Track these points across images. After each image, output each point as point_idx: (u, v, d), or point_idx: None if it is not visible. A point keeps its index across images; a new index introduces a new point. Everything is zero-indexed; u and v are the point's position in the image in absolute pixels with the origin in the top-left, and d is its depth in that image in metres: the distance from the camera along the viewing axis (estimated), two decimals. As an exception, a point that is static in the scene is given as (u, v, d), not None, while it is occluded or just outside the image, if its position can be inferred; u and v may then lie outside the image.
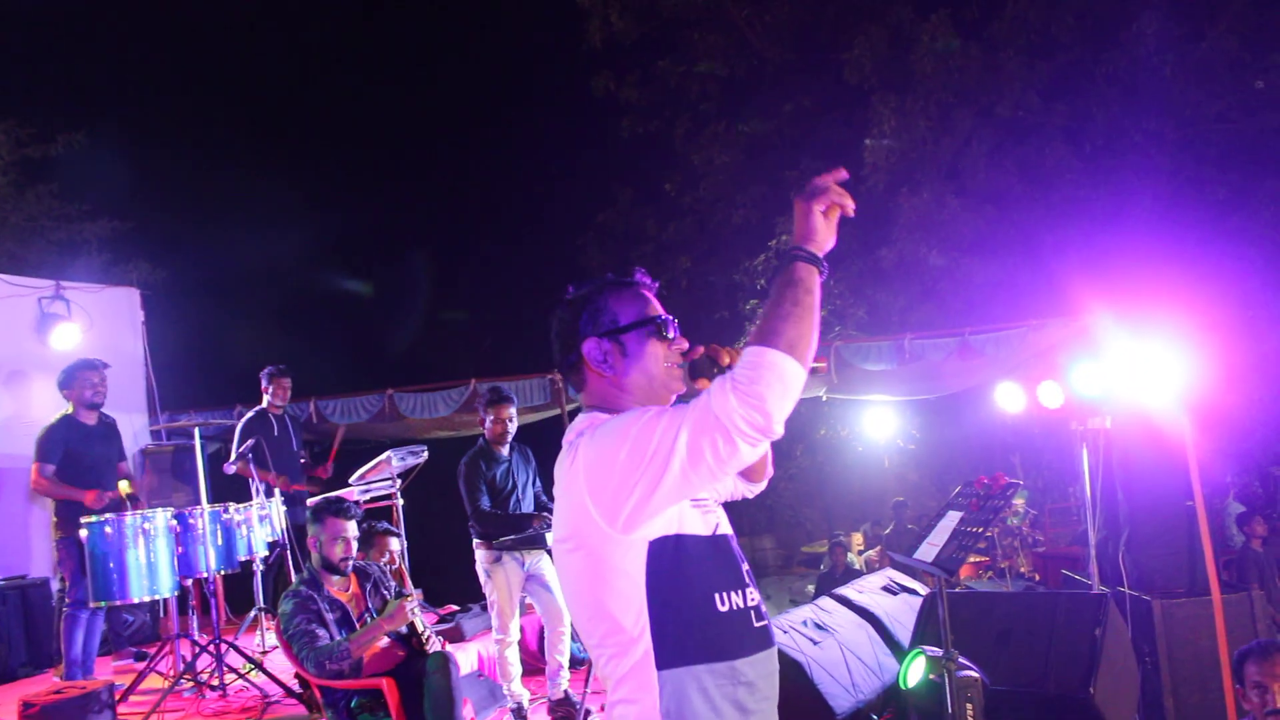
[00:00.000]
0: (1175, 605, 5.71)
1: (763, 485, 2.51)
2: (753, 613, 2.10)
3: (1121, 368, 6.06)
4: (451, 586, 9.07)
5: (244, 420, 7.82)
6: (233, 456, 7.46)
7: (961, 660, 3.82)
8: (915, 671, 4.25)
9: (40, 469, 6.06)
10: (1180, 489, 5.89)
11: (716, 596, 2.05)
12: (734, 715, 2.02)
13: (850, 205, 2.11)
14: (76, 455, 6.21)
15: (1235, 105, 14.11)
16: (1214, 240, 12.87)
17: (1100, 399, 6.45)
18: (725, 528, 2.18)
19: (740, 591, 2.09)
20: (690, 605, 2.01)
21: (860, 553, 13.98)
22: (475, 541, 6.27)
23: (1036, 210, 14.28)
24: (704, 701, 1.98)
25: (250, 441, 7.43)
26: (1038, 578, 11.30)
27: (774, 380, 1.82)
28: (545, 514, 6.34)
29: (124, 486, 6.43)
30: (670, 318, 2.24)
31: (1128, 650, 5.24)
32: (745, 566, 2.16)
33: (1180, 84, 13.97)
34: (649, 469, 1.90)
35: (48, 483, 6.09)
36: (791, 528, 18.97)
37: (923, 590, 6.98)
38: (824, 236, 2.08)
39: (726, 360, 2.15)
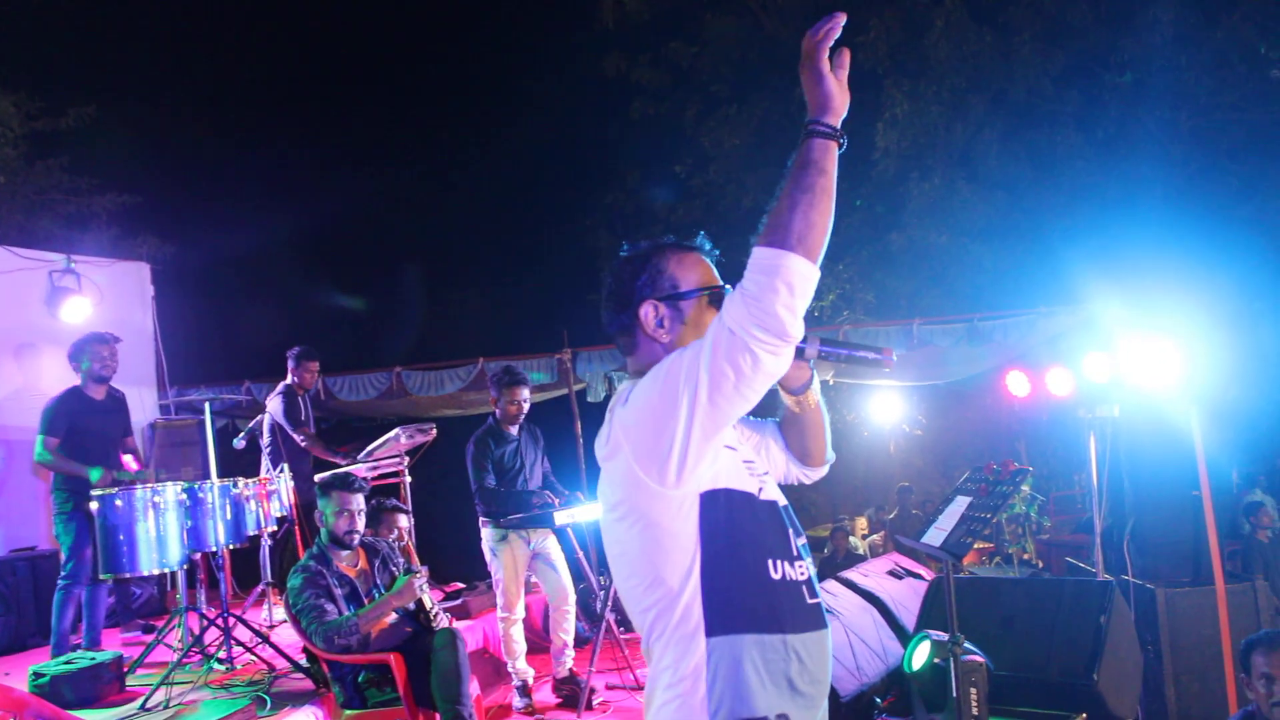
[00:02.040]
0: (1179, 594, 5.72)
1: (823, 470, 2.43)
2: (805, 587, 2.04)
3: (1130, 356, 6.05)
4: (457, 564, 9.12)
5: (283, 398, 7.74)
6: (293, 428, 7.54)
7: (967, 645, 3.84)
8: (920, 655, 4.27)
9: (45, 441, 6.02)
10: (1187, 478, 5.90)
11: (770, 563, 1.99)
12: (784, 691, 1.94)
13: (840, 20, 1.96)
14: (81, 429, 6.17)
15: (1250, 95, 14.03)
16: (1225, 230, 12.82)
17: (1109, 387, 6.45)
18: (776, 495, 2.12)
19: (793, 563, 2.03)
20: (742, 568, 1.95)
21: (864, 537, 14.01)
22: (481, 520, 6.30)
23: (1047, 197, 14.23)
24: (754, 673, 1.91)
25: (259, 418, 7.48)
26: (1042, 565, 11.31)
27: (781, 285, 1.76)
28: (549, 493, 6.37)
29: (129, 461, 6.45)
30: (729, 287, 2.14)
31: (1131, 638, 5.26)
32: (800, 540, 2.10)
33: (1195, 73, 13.90)
34: (681, 405, 1.84)
35: (51, 455, 6.08)
36: (796, 511, 18.90)
37: (927, 575, 7.00)
38: (839, 101, 1.96)
39: None
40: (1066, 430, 11.40)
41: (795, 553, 2.06)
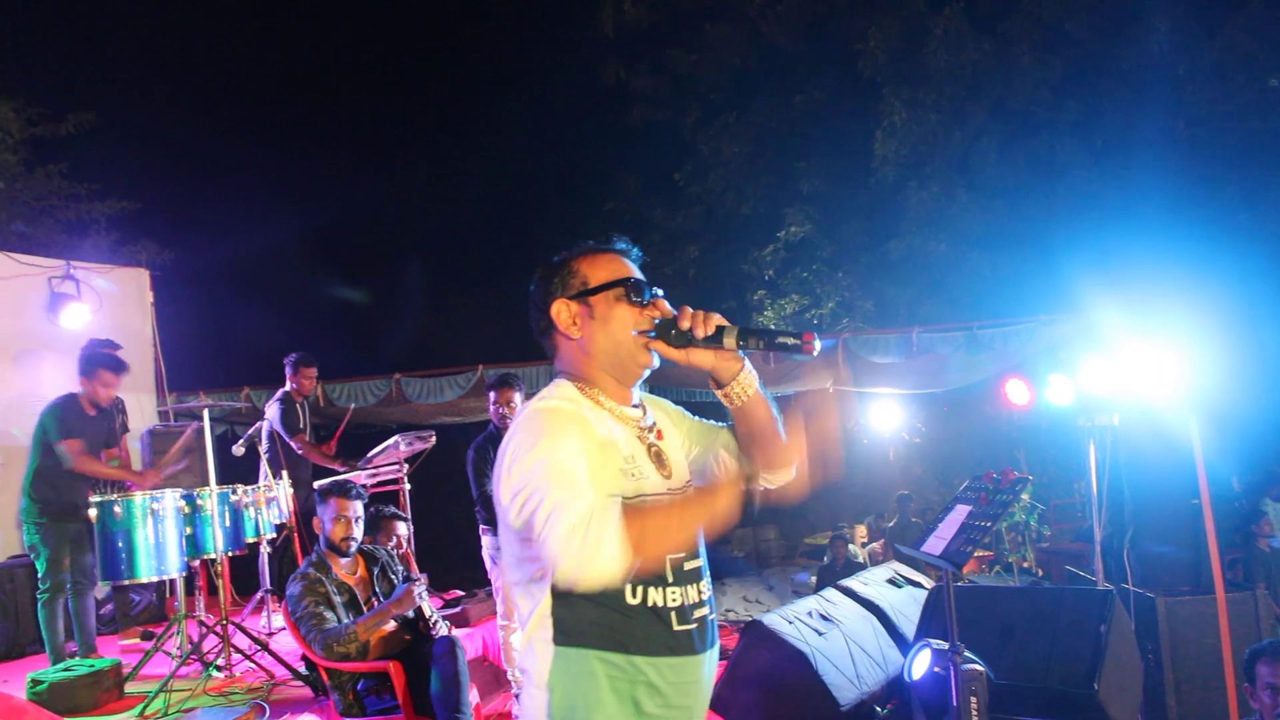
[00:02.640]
0: (1179, 603, 5.71)
1: (789, 474, 2.29)
2: (674, 614, 2.05)
3: (1130, 365, 6.04)
4: (458, 572, 9.10)
5: (281, 404, 7.75)
6: (290, 435, 7.54)
7: (967, 654, 3.83)
8: (920, 664, 4.26)
9: (72, 446, 6.02)
10: (1187, 487, 5.89)
11: (628, 589, 2.01)
12: (628, 710, 2.01)
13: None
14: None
15: (1248, 104, 14.05)
16: (1224, 238, 12.83)
17: (1109, 396, 6.44)
18: None
19: (661, 588, 2.04)
20: (600, 594, 1.97)
21: (864, 545, 13.99)
22: (481, 527, 6.29)
23: (1046, 205, 14.26)
24: (591, 684, 1.98)
25: (259, 424, 7.48)
26: (1042, 573, 11.31)
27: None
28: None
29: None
30: (645, 281, 2.18)
31: (1132, 647, 5.25)
32: (690, 564, 2.10)
33: (1193, 82, 13.94)
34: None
35: (89, 459, 6.07)
36: (795, 519, 18.95)
37: (927, 583, 7.00)
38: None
39: (686, 325, 2.08)
40: (1066, 438, 11.40)
41: (667, 578, 2.06)
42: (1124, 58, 14.21)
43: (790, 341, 2.07)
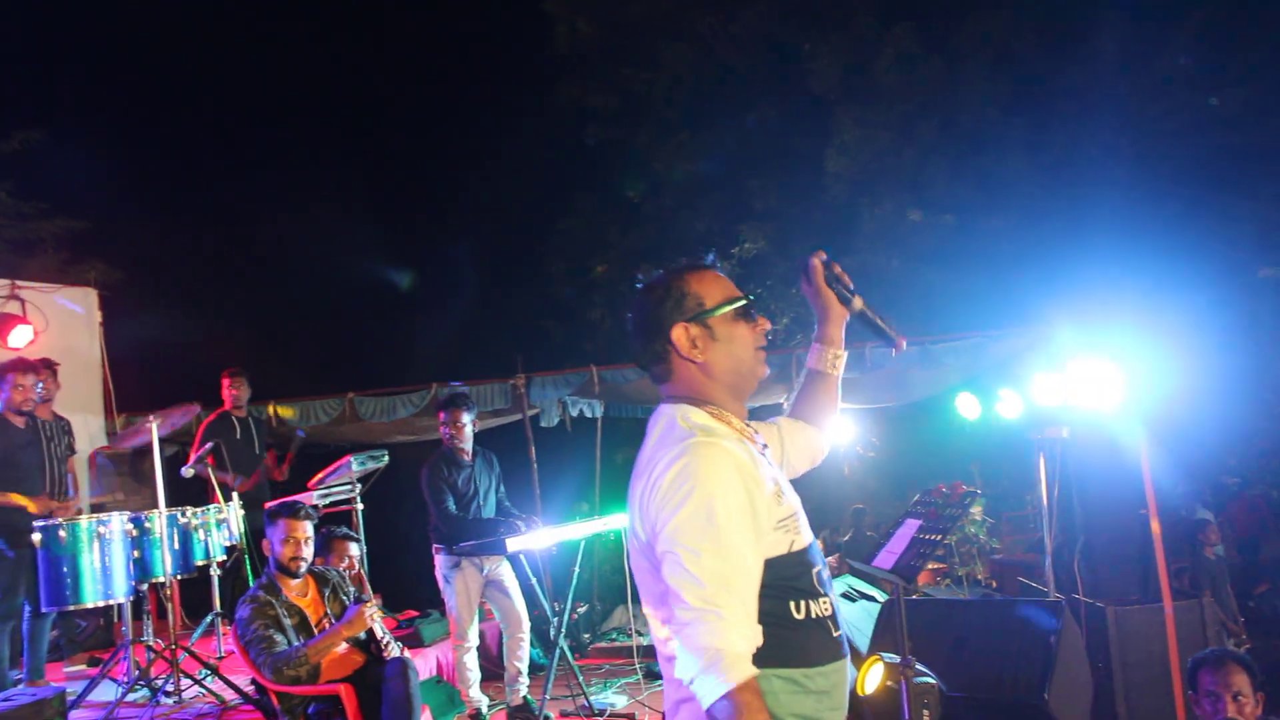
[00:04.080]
0: (1128, 612, 5.79)
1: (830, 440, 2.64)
2: (830, 621, 2.07)
3: (1079, 378, 6.13)
4: (411, 592, 9.02)
5: (205, 423, 7.76)
6: (191, 459, 7.40)
7: (919, 667, 3.85)
8: (872, 678, 4.27)
9: None
10: (1135, 498, 5.97)
11: (792, 604, 2.00)
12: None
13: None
14: (8, 461, 6.08)
15: (1190, 123, 14.34)
16: (1170, 253, 13.06)
17: (1058, 409, 6.53)
18: (806, 538, 2.10)
19: (817, 599, 2.04)
20: (763, 612, 1.94)
21: (820, 559, 14.04)
22: (434, 547, 6.26)
23: (996, 221, 14.43)
24: (772, 703, 1.91)
25: (209, 445, 7.38)
26: (995, 585, 11.40)
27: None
28: (512, 519, 6.33)
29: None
30: (752, 299, 2.19)
31: (1081, 656, 5.31)
32: (824, 573, 2.11)
33: (1137, 100, 14.20)
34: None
35: None
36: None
37: (881, 597, 7.03)
38: None
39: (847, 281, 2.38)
40: (1018, 451, 11.52)
41: (816, 589, 2.07)
42: (1070, 76, 14.45)
43: (891, 332, 2.40)
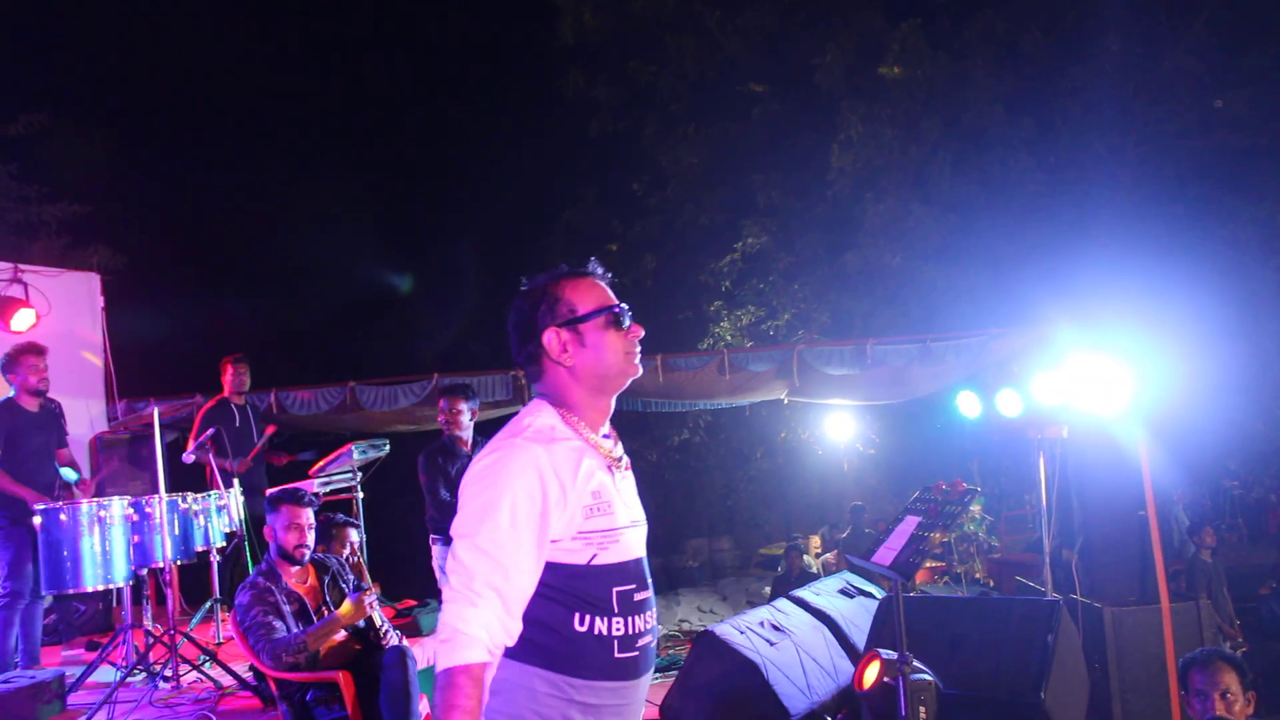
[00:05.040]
0: (1125, 613, 5.80)
1: None
2: (617, 642, 2.16)
3: (1080, 378, 6.12)
4: (411, 581, 9.04)
5: (204, 409, 7.76)
6: (191, 445, 7.41)
7: (916, 664, 3.86)
8: (870, 674, 4.28)
9: None
10: (1134, 499, 5.97)
11: (576, 615, 2.13)
12: None
13: None
14: (16, 443, 6.10)
15: (1194, 124, 14.34)
16: (1172, 254, 13.05)
17: (1058, 409, 6.52)
18: (620, 556, 2.20)
19: (607, 618, 2.15)
20: (543, 614, 2.12)
21: (818, 555, 14.06)
22: (431, 537, 6.26)
23: (999, 220, 14.43)
24: (529, 699, 2.10)
25: (210, 431, 7.38)
26: (992, 583, 11.42)
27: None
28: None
29: (69, 474, 6.34)
30: (625, 306, 2.28)
31: (1078, 656, 5.32)
32: (636, 595, 2.20)
33: (1142, 101, 14.19)
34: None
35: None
36: (750, 529, 19.05)
37: (879, 594, 7.03)
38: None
39: None
40: (1018, 450, 11.53)
41: (613, 608, 2.17)
42: (1076, 75, 14.44)
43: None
